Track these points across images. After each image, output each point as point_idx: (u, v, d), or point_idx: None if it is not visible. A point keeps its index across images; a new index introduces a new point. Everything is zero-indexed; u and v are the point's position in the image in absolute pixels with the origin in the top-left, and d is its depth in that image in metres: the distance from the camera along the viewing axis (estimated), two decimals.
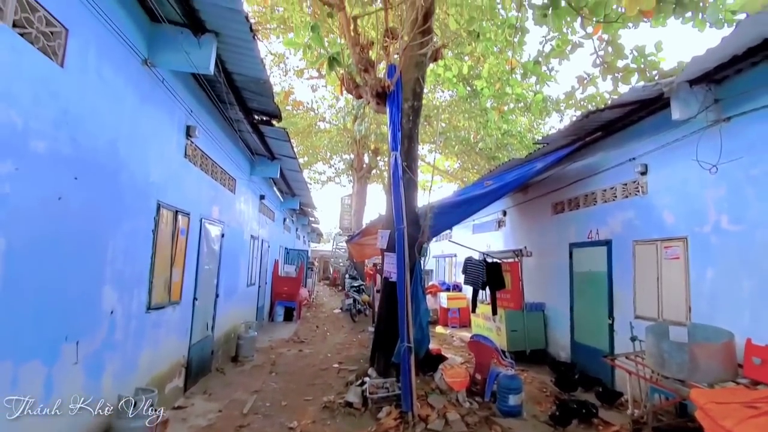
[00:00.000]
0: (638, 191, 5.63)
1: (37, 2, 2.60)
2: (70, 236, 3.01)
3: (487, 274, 7.75)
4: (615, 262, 5.99)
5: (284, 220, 14.39)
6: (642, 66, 6.15)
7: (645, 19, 5.37)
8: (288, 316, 12.18)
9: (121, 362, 3.80)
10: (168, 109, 4.55)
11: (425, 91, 8.13)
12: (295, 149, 9.27)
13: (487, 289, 7.91)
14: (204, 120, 5.59)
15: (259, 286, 10.48)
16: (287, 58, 15.19)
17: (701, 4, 4.92)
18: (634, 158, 5.62)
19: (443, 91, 16.14)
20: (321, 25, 6.91)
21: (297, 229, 19.98)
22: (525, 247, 8.48)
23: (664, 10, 5.09)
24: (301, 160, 15.16)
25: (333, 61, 5.30)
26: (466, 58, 9.88)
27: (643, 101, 5.02)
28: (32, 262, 2.65)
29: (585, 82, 6.87)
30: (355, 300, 13.39)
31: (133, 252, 3.96)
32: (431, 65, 7.36)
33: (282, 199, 13.06)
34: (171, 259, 4.77)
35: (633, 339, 4.66)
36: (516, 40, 7.16)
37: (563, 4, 5.50)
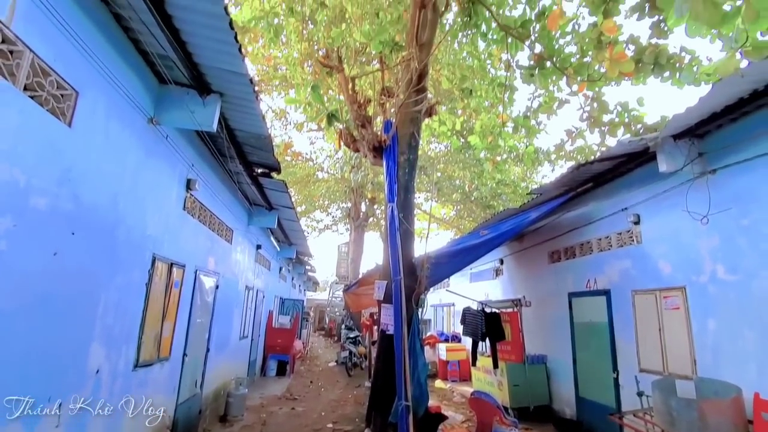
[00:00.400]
0: (633, 240, 5.67)
1: (50, 67, 2.73)
2: (62, 292, 2.96)
3: (486, 325, 7.58)
4: (615, 313, 5.90)
5: (280, 269, 14.24)
6: (626, 120, 6.45)
7: (626, 78, 5.70)
8: (281, 371, 11.72)
9: (103, 425, 3.60)
10: (170, 164, 4.66)
11: (420, 143, 8.41)
12: (293, 198, 9.39)
13: (487, 340, 7.71)
14: (204, 173, 5.70)
15: (252, 339, 10.16)
16: (288, 113, 15.82)
17: (677, 65, 5.25)
18: (626, 208, 5.72)
19: (438, 143, 16.69)
20: (321, 84, 7.28)
21: (293, 278, 19.71)
22: (524, 297, 8.37)
23: (644, 71, 5.42)
24: (298, 209, 15.33)
25: (332, 117, 5.51)
26: (459, 112, 10.34)
27: (630, 154, 5.19)
28: (22, 321, 2.58)
29: (573, 135, 7.16)
30: (351, 353, 12.98)
31: (124, 306, 3.88)
32: (426, 120, 7.67)
33: (278, 248, 13.01)
34: (163, 312, 4.67)
35: (640, 394, 4.50)
36: (506, 96, 7.53)
37: (549, 64, 5.87)
